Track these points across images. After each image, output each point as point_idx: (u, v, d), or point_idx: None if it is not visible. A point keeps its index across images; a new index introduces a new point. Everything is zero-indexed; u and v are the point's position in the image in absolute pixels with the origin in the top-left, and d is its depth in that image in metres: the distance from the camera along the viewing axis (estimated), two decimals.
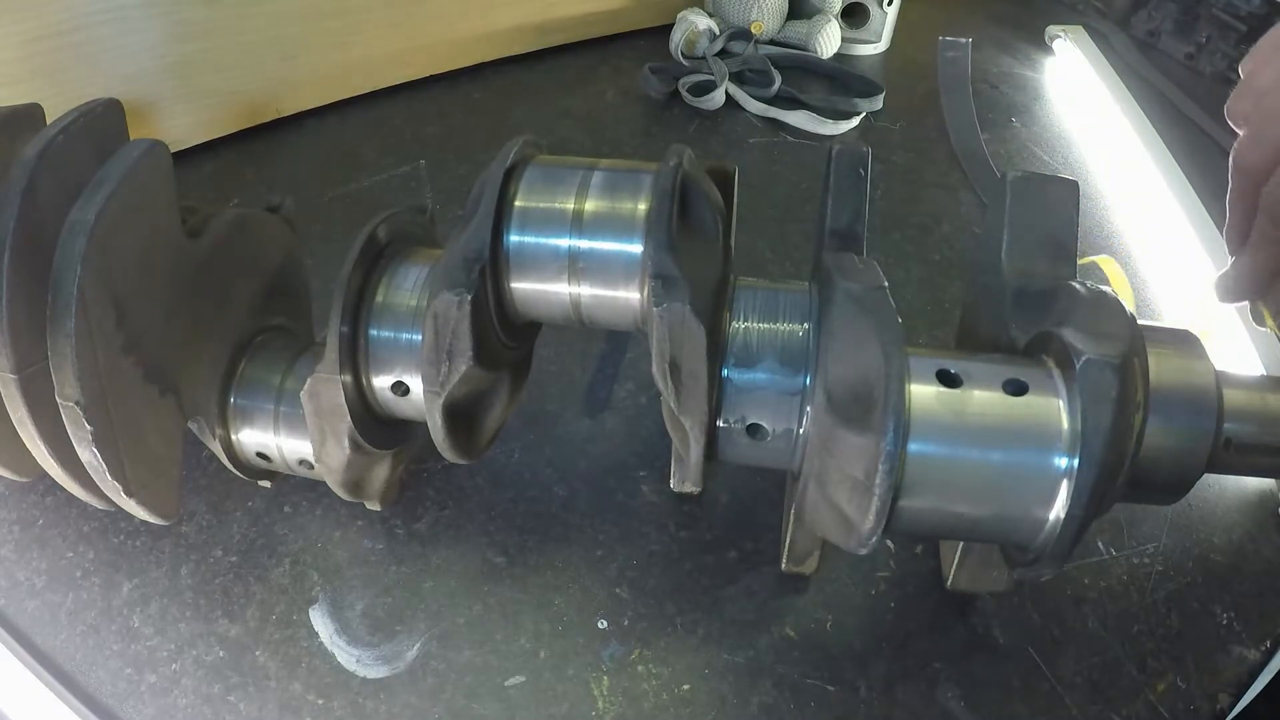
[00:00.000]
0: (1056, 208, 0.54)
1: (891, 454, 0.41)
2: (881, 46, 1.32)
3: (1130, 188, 1.06)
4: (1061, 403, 0.44)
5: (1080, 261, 0.62)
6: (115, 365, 0.47)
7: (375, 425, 0.56)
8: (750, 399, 0.49)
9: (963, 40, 1.23)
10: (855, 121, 1.12)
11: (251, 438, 0.58)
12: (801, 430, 0.49)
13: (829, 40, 1.24)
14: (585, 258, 0.50)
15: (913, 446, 0.43)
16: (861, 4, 1.27)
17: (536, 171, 0.52)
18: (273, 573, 0.62)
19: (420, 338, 0.50)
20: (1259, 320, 0.63)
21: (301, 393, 0.52)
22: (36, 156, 0.47)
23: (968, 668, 0.58)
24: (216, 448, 0.58)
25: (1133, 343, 0.44)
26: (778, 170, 1.05)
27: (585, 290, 0.51)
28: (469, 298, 0.47)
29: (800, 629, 0.60)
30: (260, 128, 1.04)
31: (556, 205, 0.50)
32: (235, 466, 0.59)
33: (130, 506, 0.51)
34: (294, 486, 0.66)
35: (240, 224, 0.58)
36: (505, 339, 0.54)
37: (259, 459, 0.59)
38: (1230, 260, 0.62)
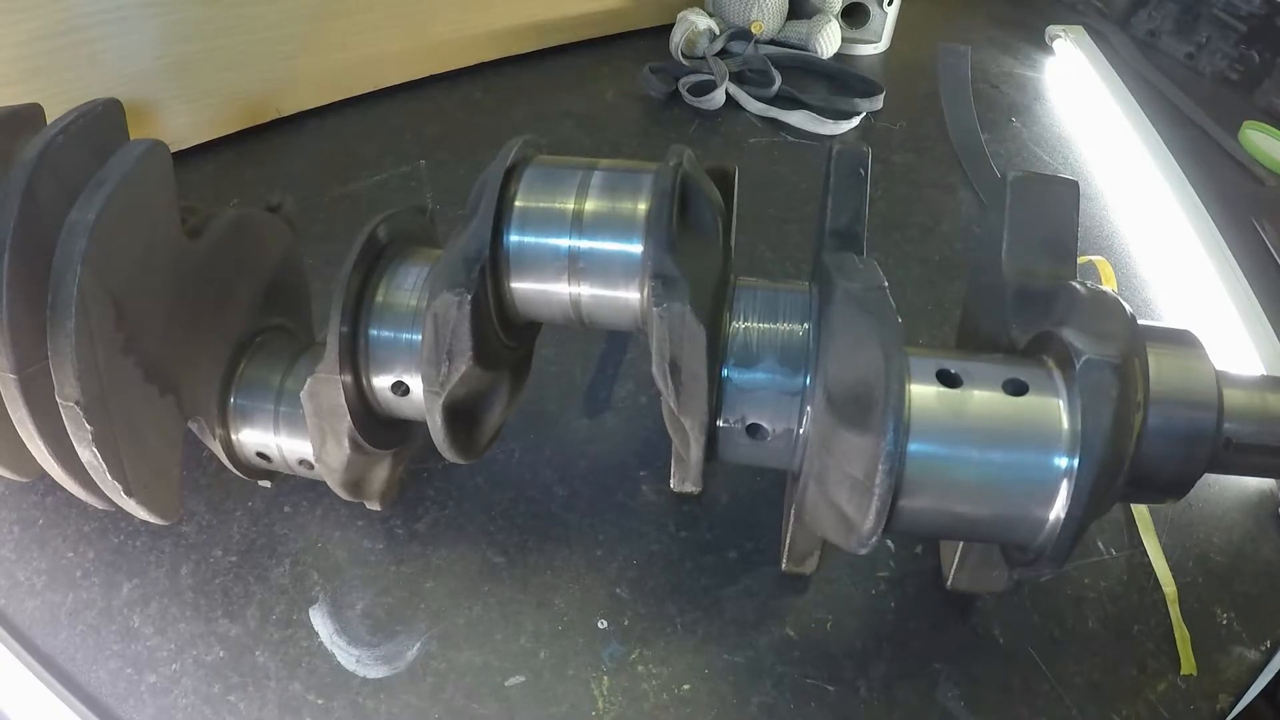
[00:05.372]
0: (1056, 208, 0.54)
1: (891, 454, 0.41)
2: (881, 46, 1.32)
3: (1130, 188, 1.06)
4: (1061, 403, 0.44)
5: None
6: (115, 365, 0.47)
7: (375, 425, 0.56)
8: (750, 399, 0.49)
9: (962, 47, 1.23)
10: (855, 121, 1.12)
11: (251, 438, 0.58)
12: (801, 430, 0.49)
13: (829, 40, 1.24)
14: (585, 258, 0.50)
15: (913, 446, 0.43)
16: (861, 4, 1.27)
17: (536, 171, 0.52)
18: (273, 573, 0.62)
19: (420, 338, 0.50)
20: None
21: (301, 393, 0.52)
22: (36, 157, 0.47)
23: (968, 668, 0.58)
24: (216, 448, 0.58)
25: (1133, 343, 0.44)
26: (778, 170, 1.05)
27: (585, 290, 0.51)
28: (469, 298, 0.47)
29: (800, 629, 0.60)
30: (260, 128, 1.04)
31: (556, 205, 0.50)
32: (235, 466, 0.59)
33: (130, 506, 0.51)
34: (294, 486, 0.66)
35: (240, 224, 0.58)
36: (505, 339, 0.54)
37: (259, 459, 0.59)
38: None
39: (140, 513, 0.51)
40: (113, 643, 0.57)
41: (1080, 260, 0.87)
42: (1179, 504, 0.68)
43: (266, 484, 0.64)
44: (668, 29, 1.24)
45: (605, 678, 0.57)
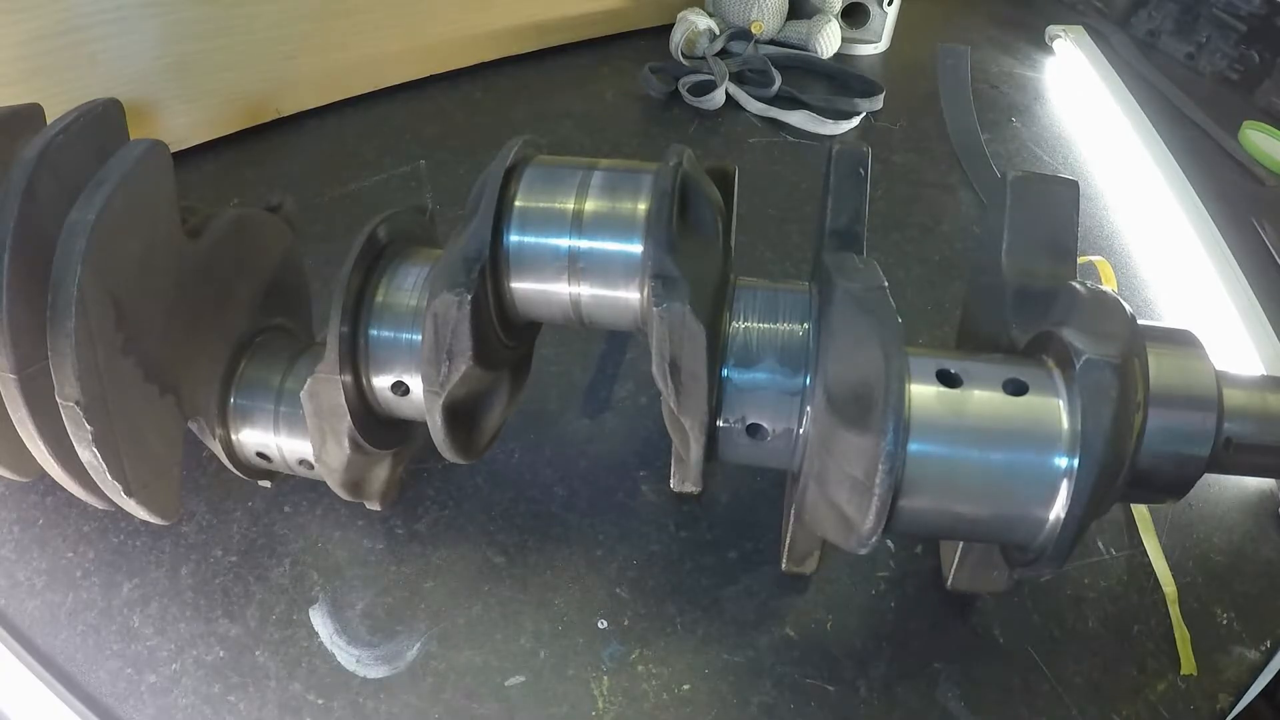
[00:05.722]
0: (1056, 208, 0.54)
1: (891, 454, 0.41)
2: (881, 46, 1.32)
3: (1130, 188, 1.06)
4: (1061, 403, 0.44)
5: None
6: (115, 365, 0.47)
7: (375, 425, 0.56)
8: (750, 399, 0.49)
9: (961, 47, 1.23)
10: (855, 121, 1.12)
11: (251, 438, 0.58)
12: (801, 430, 0.49)
13: (829, 40, 1.24)
14: (585, 258, 0.50)
15: (913, 446, 0.43)
16: (861, 4, 1.27)
17: (536, 171, 0.52)
18: (273, 573, 0.62)
19: (420, 338, 0.50)
20: None
21: (301, 393, 0.52)
22: (36, 157, 0.47)
23: (968, 668, 0.58)
24: (216, 448, 0.58)
25: (1133, 343, 0.44)
26: (778, 170, 1.05)
27: (585, 290, 0.51)
28: (469, 298, 0.47)
29: (800, 629, 0.60)
30: (260, 128, 1.04)
31: (556, 205, 0.50)
32: (235, 466, 0.59)
33: (130, 506, 0.51)
34: (294, 486, 0.66)
35: (240, 224, 0.58)
36: (505, 339, 0.54)
37: (259, 459, 0.59)
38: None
39: (140, 513, 0.51)
40: (113, 643, 0.57)
41: (1080, 260, 0.87)
42: (1179, 504, 0.68)
43: (266, 484, 0.64)
44: (668, 29, 1.24)
45: (605, 678, 0.57)
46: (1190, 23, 1.31)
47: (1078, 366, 0.43)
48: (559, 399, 0.74)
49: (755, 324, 0.50)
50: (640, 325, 0.52)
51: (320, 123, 1.08)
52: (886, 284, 0.47)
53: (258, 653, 0.57)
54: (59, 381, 0.44)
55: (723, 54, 1.23)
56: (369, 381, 0.54)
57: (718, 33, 1.23)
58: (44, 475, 0.54)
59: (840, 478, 0.45)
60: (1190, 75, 1.30)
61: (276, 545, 0.63)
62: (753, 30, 1.24)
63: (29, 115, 0.58)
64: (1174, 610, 0.61)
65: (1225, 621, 0.62)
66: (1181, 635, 0.60)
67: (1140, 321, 0.45)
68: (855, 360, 0.44)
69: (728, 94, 1.14)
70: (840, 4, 1.26)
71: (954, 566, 0.58)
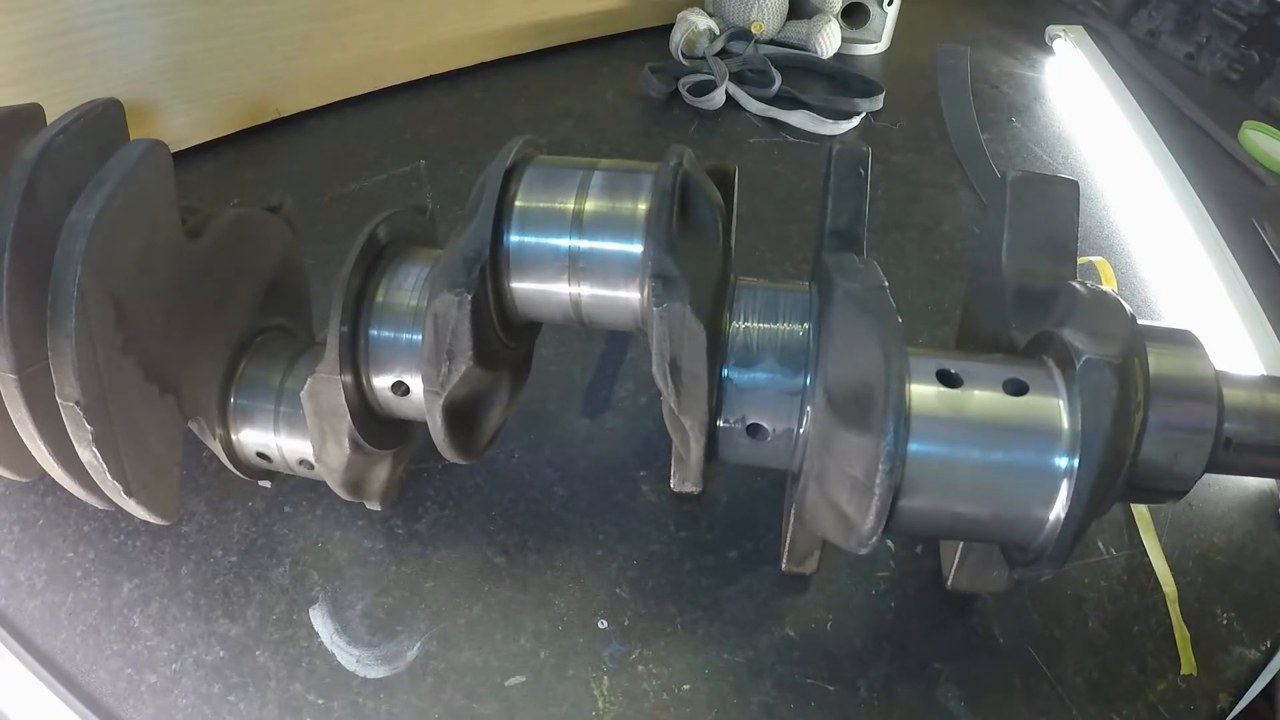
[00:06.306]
0: (1056, 208, 0.54)
1: (892, 454, 0.41)
2: (881, 46, 1.32)
3: (1130, 188, 1.06)
4: (1061, 403, 0.44)
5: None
6: (115, 365, 0.47)
7: (375, 425, 0.56)
8: (750, 399, 0.49)
9: (961, 48, 1.23)
10: (855, 121, 1.12)
11: (251, 438, 0.58)
12: (801, 430, 0.49)
13: (829, 40, 1.24)
14: (585, 258, 0.50)
15: (913, 446, 0.43)
16: (861, 4, 1.27)
17: (536, 171, 0.52)
18: (273, 573, 0.62)
19: (420, 338, 0.50)
20: None
21: (301, 393, 0.52)
22: (36, 157, 0.47)
23: (968, 668, 0.58)
24: (216, 448, 0.58)
25: (1133, 343, 0.44)
26: (778, 170, 1.05)
27: (585, 290, 0.51)
28: (469, 297, 0.47)
29: (800, 629, 0.60)
30: (260, 128, 1.04)
31: (556, 205, 0.51)
32: (235, 466, 0.59)
33: (130, 506, 0.51)
34: (294, 486, 0.66)
35: (240, 224, 0.58)
36: (505, 339, 0.54)
37: (259, 459, 0.59)
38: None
39: (140, 513, 0.51)
40: (113, 643, 0.57)
41: (1080, 260, 0.87)
42: (1179, 504, 0.68)
43: (266, 484, 0.64)
44: (668, 29, 1.24)
45: (605, 678, 0.57)
46: (1190, 23, 1.31)
47: (1078, 366, 0.43)
48: (559, 399, 0.74)
49: (755, 324, 0.50)
50: (640, 325, 0.52)
51: (320, 123, 1.08)
52: (886, 284, 0.47)
53: (258, 653, 0.57)
54: (59, 381, 0.44)
55: (723, 54, 1.23)
56: (369, 381, 0.54)
57: (718, 33, 1.23)
58: (44, 475, 0.54)
59: (840, 478, 0.45)
60: (1190, 75, 1.30)
61: (276, 545, 0.63)
62: (753, 30, 1.24)
63: (29, 115, 0.58)
64: (1174, 610, 0.61)
65: (1225, 621, 0.62)
66: (1181, 635, 0.60)
67: (1140, 321, 0.45)
68: (855, 360, 0.44)
69: (728, 94, 1.14)
70: (840, 4, 1.26)
71: (954, 566, 0.58)
